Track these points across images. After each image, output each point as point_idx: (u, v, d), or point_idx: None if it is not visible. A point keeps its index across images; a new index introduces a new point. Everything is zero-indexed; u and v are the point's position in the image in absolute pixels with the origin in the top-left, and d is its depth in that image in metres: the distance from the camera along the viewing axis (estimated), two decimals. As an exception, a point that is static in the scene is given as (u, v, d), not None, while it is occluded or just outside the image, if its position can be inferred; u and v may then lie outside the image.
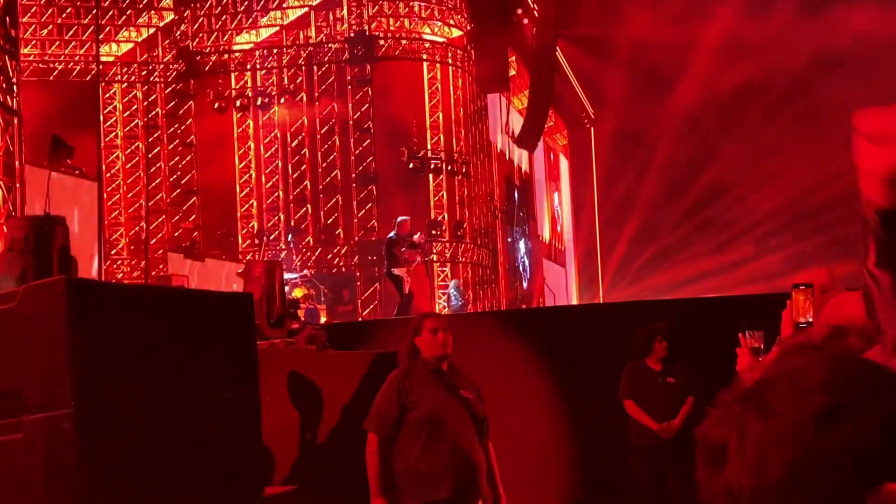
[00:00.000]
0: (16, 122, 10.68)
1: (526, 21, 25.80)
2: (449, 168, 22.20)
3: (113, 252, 21.33)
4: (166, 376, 3.88)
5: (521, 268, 26.89)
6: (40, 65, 21.33)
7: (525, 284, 27.06)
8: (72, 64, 21.66)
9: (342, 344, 9.00)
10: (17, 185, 10.66)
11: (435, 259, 21.66)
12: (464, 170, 22.54)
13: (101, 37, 21.55)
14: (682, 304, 10.32)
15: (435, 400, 5.34)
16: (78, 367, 3.36)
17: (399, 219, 14.60)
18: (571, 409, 8.58)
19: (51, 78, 21.24)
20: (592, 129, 31.98)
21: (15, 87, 10.60)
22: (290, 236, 21.63)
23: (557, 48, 27.22)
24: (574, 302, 29.99)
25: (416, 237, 14.67)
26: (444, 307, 19.59)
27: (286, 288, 17.83)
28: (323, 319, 17.53)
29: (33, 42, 21.28)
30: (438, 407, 5.33)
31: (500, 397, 6.83)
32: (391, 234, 14.49)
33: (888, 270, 1.64)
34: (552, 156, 31.88)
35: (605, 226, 30.72)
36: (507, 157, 26.54)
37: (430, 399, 5.34)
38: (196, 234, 21.71)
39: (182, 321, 4.08)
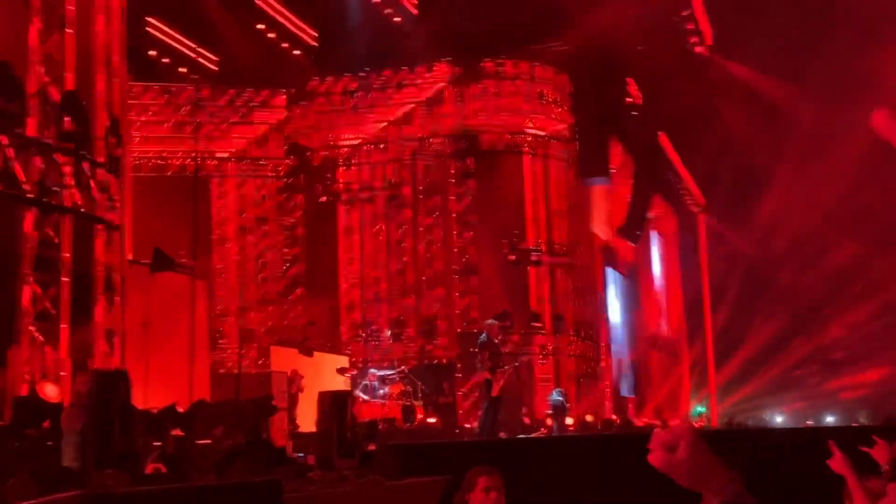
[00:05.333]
0: (118, 237, 11.19)
1: (634, 113, 25.76)
2: (550, 260, 22.14)
3: (221, 341, 21.87)
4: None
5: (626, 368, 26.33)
6: (158, 161, 22.23)
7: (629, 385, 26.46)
8: (188, 160, 22.51)
9: (419, 465, 8.94)
10: (118, 299, 11.12)
11: (538, 353, 21.49)
12: (565, 261, 22.43)
13: (216, 133, 22.45)
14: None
15: (482, 565, 5.25)
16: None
17: (487, 322, 14.56)
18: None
19: (169, 174, 22.07)
20: (702, 217, 31.13)
21: (118, 204, 11.12)
22: (388, 331, 21.84)
23: (664, 136, 27.06)
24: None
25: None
26: (546, 410, 19.09)
27: (382, 384, 18.01)
28: (419, 416, 17.61)
29: (150, 139, 22.19)
30: (485, 572, 5.23)
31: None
32: (482, 336, 14.37)
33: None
34: (659, 245, 31.20)
35: (718, 319, 29.48)
36: (611, 248, 26.29)
37: (477, 563, 5.25)
38: (306, 328, 21.89)
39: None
